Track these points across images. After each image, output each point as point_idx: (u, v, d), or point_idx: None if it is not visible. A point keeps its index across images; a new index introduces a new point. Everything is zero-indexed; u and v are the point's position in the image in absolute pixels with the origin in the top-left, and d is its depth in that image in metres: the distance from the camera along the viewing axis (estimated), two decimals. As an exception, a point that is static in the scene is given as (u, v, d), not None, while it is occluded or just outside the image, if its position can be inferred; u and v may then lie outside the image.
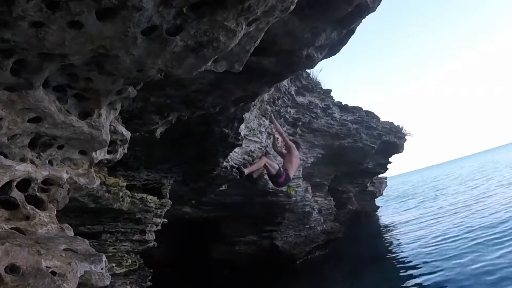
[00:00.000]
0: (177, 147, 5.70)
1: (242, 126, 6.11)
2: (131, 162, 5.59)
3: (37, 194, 2.67)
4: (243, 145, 7.08)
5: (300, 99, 9.55)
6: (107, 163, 4.01)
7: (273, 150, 8.75)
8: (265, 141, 8.30)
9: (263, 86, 4.71)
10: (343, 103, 12.16)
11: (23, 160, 2.50)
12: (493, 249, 8.71)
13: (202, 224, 11.27)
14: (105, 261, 2.42)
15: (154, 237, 6.70)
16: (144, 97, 4.01)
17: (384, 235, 15.22)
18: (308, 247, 11.97)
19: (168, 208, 6.69)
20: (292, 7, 2.46)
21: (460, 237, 10.81)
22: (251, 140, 7.72)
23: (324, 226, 13.02)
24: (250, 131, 7.39)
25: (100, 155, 3.28)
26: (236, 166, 7.22)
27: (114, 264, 5.83)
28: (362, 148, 13.26)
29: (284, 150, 7.44)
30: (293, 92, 9.02)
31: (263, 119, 7.78)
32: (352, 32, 4.09)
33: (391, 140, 15.06)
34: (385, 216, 21.37)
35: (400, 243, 12.64)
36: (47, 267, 2.01)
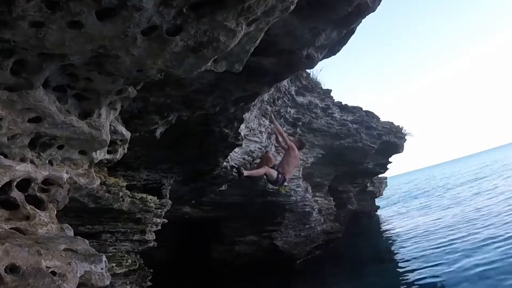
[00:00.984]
0: (177, 147, 5.70)
1: (242, 126, 6.11)
2: (131, 162, 5.59)
3: (37, 194, 2.67)
4: (243, 145, 7.08)
5: (300, 99, 9.55)
6: (107, 163, 4.02)
7: (273, 149, 8.73)
8: (265, 141, 8.29)
9: (263, 86, 4.71)
10: (343, 103, 12.16)
11: (23, 160, 2.50)
12: (494, 249, 8.71)
13: (202, 224, 11.27)
14: (105, 261, 2.42)
15: (154, 237, 6.70)
16: (144, 97, 4.01)
17: (384, 235, 15.22)
18: (308, 247, 11.98)
19: (168, 208, 6.69)
20: (292, 7, 2.46)
21: (460, 237, 10.81)
22: (251, 140, 7.72)
23: (324, 226, 13.02)
24: (250, 131, 7.38)
25: (100, 155, 3.28)
26: (236, 166, 7.21)
27: (114, 264, 5.83)
28: (362, 148, 13.26)
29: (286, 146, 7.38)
30: (293, 92, 9.01)
31: (263, 119, 7.78)
32: (352, 32, 4.10)
33: (391, 140, 15.05)
34: (385, 215, 21.37)
35: (400, 243, 12.64)
36: (47, 267, 2.01)
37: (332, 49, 4.33)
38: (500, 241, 9.15)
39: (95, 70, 2.32)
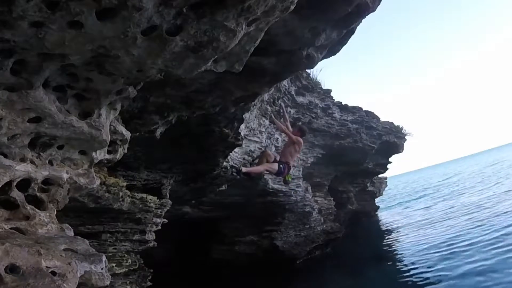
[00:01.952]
0: (177, 147, 5.70)
1: (242, 126, 6.11)
2: (131, 162, 5.59)
3: (37, 194, 2.67)
4: (243, 145, 7.08)
5: (300, 99, 9.55)
6: (107, 163, 4.02)
7: (273, 149, 8.72)
8: (265, 141, 8.29)
9: (263, 86, 4.71)
10: (343, 103, 12.16)
11: (23, 160, 2.50)
12: (494, 249, 8.71)
13: (202, 224, 11.27)
14: (105, 261, 2.42)
15: (154, 237, 6.70)
16: (144, 97, 4.02)
17: (384, 235, 15.22)
18: (308, 247, 11.97)
19: (168, 208, 6.69)
20: (292, 7, 2.46)
21: (460, 237, 10.81)
22: (251, 140, 7.72)
23: (324, 226, 13.02)
24: (250, 131, 7.39)
25: (100, 155, 3.28)
26: (236, 166, 7.21)
27: (114, 264, 5.83)
28: (362, 148, 13.26)
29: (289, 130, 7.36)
30: (293, 92, 9.01)
31: (263, 119, 7.78)
32: (352, 32, 4.10)
33: (391, 140, 15.05)
34: (385, 216, 21.37)
35: (400, 243, 12.65)
36: (47, 267, 2.01)
37: (332, 49, 4.33)
38: (501, 241, 9.13)
39: (95, 70, 2.32)
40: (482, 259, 8.24)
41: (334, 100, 11.56)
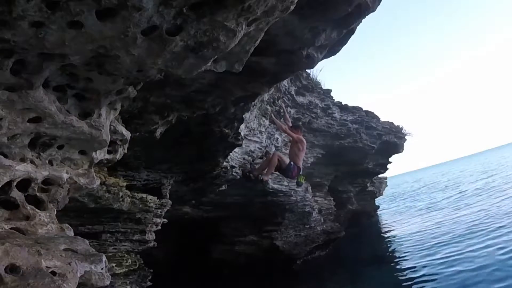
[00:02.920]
0: (177, 147, 5.70)
1: (242, 126, 6.11)
2: (131, 162, 5.59)
3: (37, 194, 2.67)
4: (243, 145, 7.08)
5: (300, 99, 9.55)
6: (107, 163, 4.02)
7: (273, 149, 8.72)
8: (265, 141, 8.29)
9: (263, 86, 4.71)
10: (343, 103, 12.16)
11: (23, 160, 2.50)
12: (495, 250, 8.70)
13: (202, 224, 11.26)
14: (105, 261, 2.42)
15: (154, 237, 6.70)
16: (144, 97, 4.02)
17: (384, 235, 15.22)
18: (308, 247, 11.97)
19: (168, 208, 6.69)
20: (292, 7, 2.46)
21: (461, 237, 10.81)
22: (251, 140, 7.72)
23: (324, 226, 13.02)
24: (250, 131, 7.38)
25: (100, 155, 3.28)
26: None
27: (114, 264, 5.84)
28: (362, 148, 13.26)
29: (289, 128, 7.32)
30: (293, 92, 9.01)
31: (263, 119, 7.78)
32: (352, 32, 4.10)
33: (391, 140, 15.05)
34: (385, 215, 21.37)
35: (400, 243, 12.64)
36: (47, 267, 2.01)
37: (332, 49, 4.33)
38: (502, 242, 9.13)
39: (95, 70, 2.32)
40: (483, 259, 8.24)
41: (334, 100, 11.57)
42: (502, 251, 8.37)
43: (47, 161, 2.74)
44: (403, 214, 20.24)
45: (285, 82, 8.06)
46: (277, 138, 9.15)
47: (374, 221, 20.20)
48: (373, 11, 3.69)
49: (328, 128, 11.47)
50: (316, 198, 13.35)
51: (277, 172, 7.23)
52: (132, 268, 6.24)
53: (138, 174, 6.03)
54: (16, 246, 1.96)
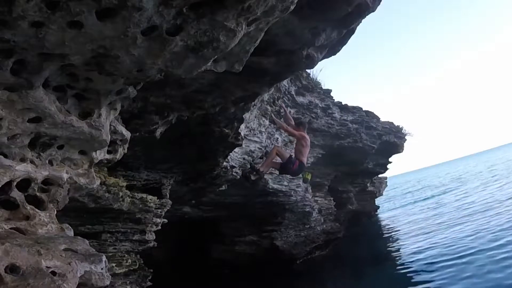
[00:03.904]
0: (177, 147, 5.70)
1: (242, 126, 6.11)
2: (131, 162, 5.59)
3: (37, 194, 2.67)
4: (243, 145, 7.08)
5: (300, 99, 9.55)
6: (107, 163, 4.02)
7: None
8: (265, 141, 8.29)
9: (263, 86, 4.71)
10: (343, 103, 12.16)
11: (23, 160, 2.50)
12: (495, 250, 8.70)
13: (202, 224, 11.27)
14: (105, 261, 2.42)
15: (154, 237, 6.70)
16: (144, 97, 4.02)
17: (384, 235, 15.21)
18: (308, 247, 11.97)
19: (168, 208, 6.69)
20: (292, 7, 2.46)
21: (460, 237, 10.81)
22: (251, 140, 7.72)
23: (324, 226, 13.02)
24: (250, 131, 7.38)
25: (100, 155, 3.28)
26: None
27: (114, 264, 5.84)
28: (362, 148, 13.26)
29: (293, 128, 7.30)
30: (293, 92, 9.01)
31: (263, 119, 7.78)
32: (352, 32, 4.10)
33: (391, 140, 15.04)
34: (385, 215, 21.36)
35: (400, 243, 12.64)
36: (47, 267, 2.01)
37: (332, 49, 4.33)
38: (503, 243, 9.11)
39: (95, 70, 2.32)
40: (485, 258, 8.23)
41: (334, 100, 11.57)
42: (504, 250, 8.38)
43: (47, 161, 2.74)
44: (403, 214, 20.24)
45: (285, 82, 8.05)
46: (277, 138, 9.14)
47: (374, 221, 20.19)
48: (373, 11, 3.69)
49: (328, 128, 11.47)
50: (316, 198, 13.35)
51: (276, 172, 7.22)
52: (132, 268, 6.24)
53: (138, 174, 6.03)
54: (16, 246, 1.96)
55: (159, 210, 6.43)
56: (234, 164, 7.52)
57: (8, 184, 2.38)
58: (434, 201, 22.04)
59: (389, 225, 17.75)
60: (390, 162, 17.57)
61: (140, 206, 5.85)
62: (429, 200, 23.86)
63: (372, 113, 13.88)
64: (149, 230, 6.52)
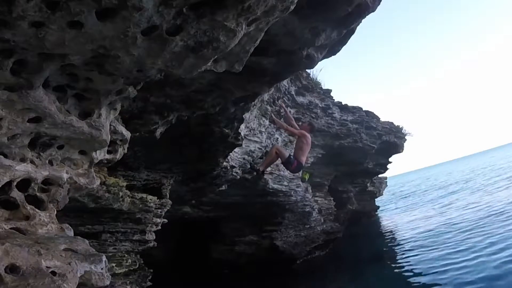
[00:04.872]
0: (177, 147, 5.70)
1: (242, 126, 6.11)
2: (131, 162, 5.59)
3: (37, 194, 2.67)
4: (243, 145, 7.08)
5: (300, 99, 9.55)
6: (107, 163, 4.02)
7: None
8: (265, 141, 8.29)
9: (263, 86, 4.71)
10: (343, 103, 12.16)
11: (23, 160, 2.50)
12: (495, 250, 8.70)
13: (202, 224, 11.27)
14: (105, 261, 2.42)
15: (154, 237, 6.70)
16: (144, 97, 4.02)
17: (384, 235, 15.21)
18: (308, 247, 11.97)
19: (168, 208, 6.69)
20: (292, 7, 2.46)
21: (460, 236, 10.81)
22: (251, 140, 7.72)
23: (324, 226, 13.02)
24: (250, 131, 7.38)
25: (100, 155, 3.28)
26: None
27: (114, 264, 5.84)
28: (362, 148, 13.26)
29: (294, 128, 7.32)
30: (293, 92, 9.01)
31: (263, 119, 7.78)
32: (352, 32, 4.10)
33: (391, 140, 15.04)
34: (385, 216, 21.37)
35: (400, 243, 12.64)
36: (47, 267, 2.01)
37: (332, 49, 4.33)
38: (504, 245, 9.11)
39: (95, 70, 2.32)
40: (484, 258, 8.24)
41: (334, 100, 11.57)
42: (505, 249, 8.38)
43: (47, 161, 2.74)
44: (403, 214, 20.24)
45: (285, 82, 8.05)
46: (277, 138, 9.14)
47: (374, 221, 20.19)
48: (373, 11, 3.69)
49: (328, 128, 11.47)
50: (316, 198, 13.35)
51: (276, 172, 7.25)
52: (132, 268, 6.24)
53: (138, 174, 6.03)
54: (16, 246, 1.96)
55: (159, 210, 6.43)
56: (234, 164, 7.52)
57: (8, 184, 2.38)
58: (434, 201, 22.04)
59: (389, 225, 17.75)
60: (390, 162, 17.57)
61: (140, 206, 5.85)
62: (429, 200, 23.86)
63: (372, 113, 13.89)
64: (149, 230, 6.52)
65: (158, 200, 6.28)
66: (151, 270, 6.67)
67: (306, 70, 8.86)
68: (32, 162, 2.58)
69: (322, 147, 12.06)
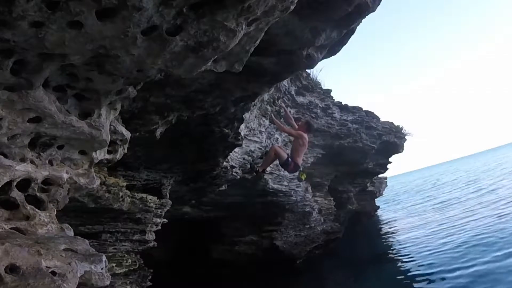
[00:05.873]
0: (177, 147, 5.69)
1: (242, 126, 6.11)
2: (131, 162, 5.59)
3: (37, 194, 2.67)
4: (243, 145, 7.08)
5: (300, 99, 9.55)
6: (107, 163, 4.02)
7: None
8: (265, 141, 8.29)
9: (263, 86, 4.71)
10: (343, 103, 12.16)
11: (23, 160, 2.50)
12: (495, 250, 8.70)
13: (202, 224, 11.27)
14: (105, 261, 2.43)
15: (154, 237, 6.70)
16: (144, 97, 4.01)
17: (384, 235, 15.21)
18: (308, 247, 11.97)
19: (168, 208, 6.69)
20: (292, 7, 2.46)
21: (461, 237, 10.81)
22: (251, 140, 7.71)
23: (324, 226, 13.02)
24: (250, 131, 7.38)
25: (100, 155, 3.28)
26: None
27: (114, 264, 5.84)
28: (362, 148, 13.25)
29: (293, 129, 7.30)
30: (293, 92, 9.01)
31: (263, 119, 7.78)
32: (352, 32, 4.10)
33: (391, 140, 15.04)
34: (385, 215, 21.37)
35: (400, 243, 12.64)
36: (47, 267, 2.01)
37: (332, 49, 4.33)
38: (503, 244, 9.11)
39: (95, 70, 2.32)
40: (484, 258, 8.24)
41: (334, 100, 11.56)
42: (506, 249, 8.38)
43: (47, 161, 2.74)
44: (403, 214, 20.24)
45: (285, 82, 8.05)
46: (277, 138, 9.15)
47: (374, 221, 20.19)
48: (373, 11, 3.69)
49: (328, 128, 11.47)
50: (316, 198, 13.35)
51: (277, 172, 7.26)
52: (132, 268, 6.24)
53: (138, 174, 6.03)
54: (16, 246, 1.96)
55: (159, 210, 6.43)
56: (234, 164, 7.52)
57: (8, 184, 2.38)
58: (434, 201, 22.03)
59: (389, 225, 17.75)
60: (390, 162, 17.58)
61: (140, 206, 5.85)
62: (429, 200, 23.85)
63: (372, 113, 13.88)
64: (149, 230, 6.52)
65: (158, 200, 6.28)
66: (151, 270, 6.67)
67: (306, 70, 8.85)
68: (32, 162, 2.58)
69: (322, 147, 12.06)
